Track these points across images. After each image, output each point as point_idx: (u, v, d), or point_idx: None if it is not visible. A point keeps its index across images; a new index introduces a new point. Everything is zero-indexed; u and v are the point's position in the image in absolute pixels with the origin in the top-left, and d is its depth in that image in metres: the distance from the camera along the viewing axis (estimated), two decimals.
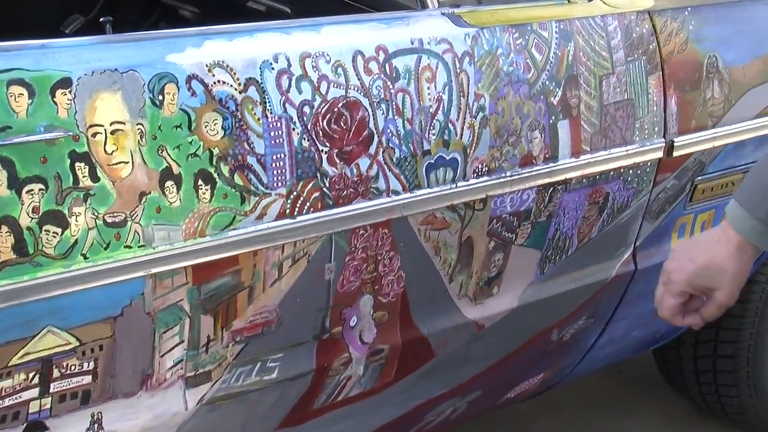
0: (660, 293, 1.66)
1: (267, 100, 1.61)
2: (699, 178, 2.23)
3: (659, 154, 2.12)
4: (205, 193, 1.55)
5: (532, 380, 2.31)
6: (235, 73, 1.58)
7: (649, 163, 2.11)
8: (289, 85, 1.63)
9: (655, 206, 2.19)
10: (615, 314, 2.30)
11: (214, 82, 1.56)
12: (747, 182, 1.70)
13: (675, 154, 2.14)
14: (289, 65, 1.63)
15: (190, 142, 1.54)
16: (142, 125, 1.49)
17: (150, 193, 1.50)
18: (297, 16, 2.24)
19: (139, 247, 1.50)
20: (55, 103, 1.44)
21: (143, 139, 1.49)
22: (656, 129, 2.10)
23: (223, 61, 1.57)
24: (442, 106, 1.78)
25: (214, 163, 1.56)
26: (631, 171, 2.08)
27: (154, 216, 1.51)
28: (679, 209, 2.24)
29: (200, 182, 1.55)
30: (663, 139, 2.11)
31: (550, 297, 2.10)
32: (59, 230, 1.44)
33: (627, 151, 2.05)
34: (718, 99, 2.20)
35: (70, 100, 1.44)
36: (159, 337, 1.58)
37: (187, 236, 1.54)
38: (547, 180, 1.94)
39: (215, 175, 1.56)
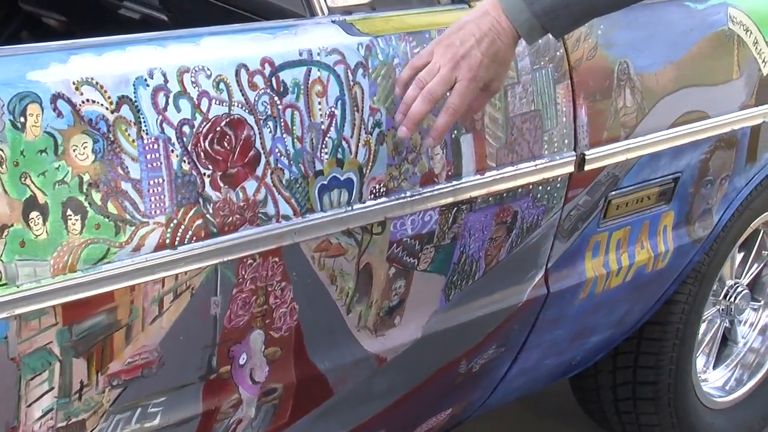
0: (440, 89, 1.75)
1: (142, 120, 1.60)
2: (613, 192, 2.28)
3: (570, 169, 2.16)
4: (75, 224, 1.54)
5: (440, 416, 2.33)
6: (105, 91, 1.57)
7: (559, 179, 2.15)
8: (167, 103, 1.63)
9: (567, 224, 2.23)
10: (527, 342, 2.33)
11: (83, 102, 1.55)
12: None
13: (587, 168, 2.18)
14: (166, 81, 1.63)
15: (57, 168, 1.52)
16: (2, 151, 1.48)
17: (12, 225, 1.48)
18: (175, 25, 2.23)
19: (1, 285, 1.48)
20: None
21: (3, 166, 1.48)
22: (566, 142, 2.14)
23: (91, 78, 1.56)
24: (334, 122, 1.79)
25: (84, 190, 1.54)
26: (540, 187, 2.12)
27: (17, 251, 1.49)
28: (592, 227, 2.29)
29: (69, 212, 1.53)
30: (573, 153, 2.15)
31: (456, 326, 2.12)
32: None
33: (536, 166, 2.09)
34: (631, 108, 2.25)
35: None
36: (25, 385, 1.56)
37: (55, 272, 1.53)
38: (450, 199, 1.96)
39: (86, 204, 1.55)
